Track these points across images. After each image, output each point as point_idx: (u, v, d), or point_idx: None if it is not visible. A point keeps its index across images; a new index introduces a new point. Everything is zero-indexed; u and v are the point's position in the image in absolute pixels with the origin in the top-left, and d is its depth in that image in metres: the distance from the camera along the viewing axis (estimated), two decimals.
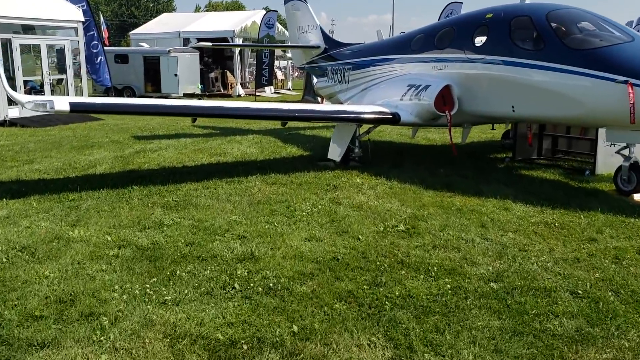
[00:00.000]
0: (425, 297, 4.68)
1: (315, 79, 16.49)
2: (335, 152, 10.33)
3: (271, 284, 4.90)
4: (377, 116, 9.95)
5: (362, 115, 9.91)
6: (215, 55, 34.36)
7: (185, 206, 7.47)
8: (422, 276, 5.11)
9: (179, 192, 8.25)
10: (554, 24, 8.45)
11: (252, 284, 4.93)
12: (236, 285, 4.89)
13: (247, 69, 34.98)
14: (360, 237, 6.21)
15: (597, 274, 5.15)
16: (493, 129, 13.77)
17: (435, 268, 5.27)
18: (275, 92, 34.36)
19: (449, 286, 4.88)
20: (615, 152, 8.33)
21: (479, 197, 7.99)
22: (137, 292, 4.77)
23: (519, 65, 8.59)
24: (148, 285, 4.89)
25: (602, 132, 9.12)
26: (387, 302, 4.58)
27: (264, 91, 32.31)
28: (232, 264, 5.38)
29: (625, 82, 7.28)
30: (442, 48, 10.18)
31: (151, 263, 5.43)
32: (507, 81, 8.85)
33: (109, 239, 6.12)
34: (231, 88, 31.46)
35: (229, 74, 31.99)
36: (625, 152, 8.13)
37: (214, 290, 4.82)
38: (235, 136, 14.52)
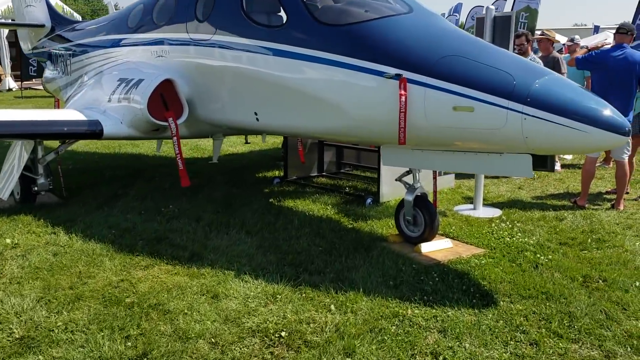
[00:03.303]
0: None
1: None
2: (1, 187, 6.59)
3: None
4: (59, 129, 6.36)
5: (31, 129, 6.27)
6: None
7: None
8: None
9: None
10: None
11: None
12: None
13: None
14: None
15: None
16: (247, 142, 10.63)
17: None
18: None
19: None
20: (396, 180, 5.64)
21: (190, 265, 4.87)
22: None
23: (254, 50, 5.54)
24: None
25: None
26: None
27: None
28: None
29: (398, 76, 4.54)
30: (161, 25, 6.86)
31: None
32: (243, 75, 5.77)
33: None
34: None
35: None
36: (409, 179, 5.47)
37: None
38: None
